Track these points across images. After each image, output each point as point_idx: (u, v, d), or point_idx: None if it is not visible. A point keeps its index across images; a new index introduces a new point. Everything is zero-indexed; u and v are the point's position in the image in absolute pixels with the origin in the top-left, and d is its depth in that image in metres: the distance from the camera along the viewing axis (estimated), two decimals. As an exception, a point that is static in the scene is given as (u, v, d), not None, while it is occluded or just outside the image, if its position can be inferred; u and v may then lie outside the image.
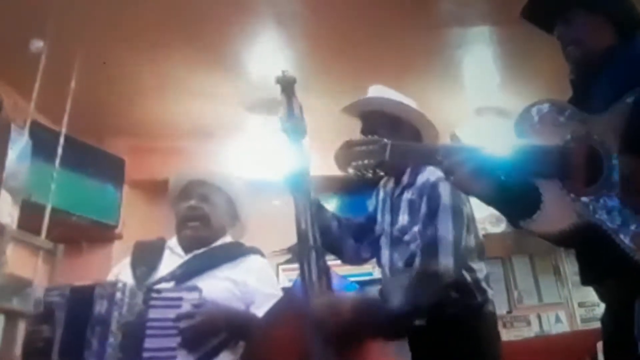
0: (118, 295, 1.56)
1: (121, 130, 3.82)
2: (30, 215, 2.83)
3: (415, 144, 1.62)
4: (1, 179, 2.63)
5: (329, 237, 1.80)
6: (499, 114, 3.90)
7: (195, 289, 1.66)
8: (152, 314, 1.58)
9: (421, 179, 1.70)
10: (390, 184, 1.88)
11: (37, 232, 2.85)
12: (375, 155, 1.34)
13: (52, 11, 2.63)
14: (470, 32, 3.14)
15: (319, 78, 3.19)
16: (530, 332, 4.55)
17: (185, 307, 1.61)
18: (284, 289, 1.91)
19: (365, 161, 1.35)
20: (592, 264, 1.28)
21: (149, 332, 1.56)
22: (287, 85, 1.82)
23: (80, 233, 3.40)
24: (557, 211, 1.21)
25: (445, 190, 1.61)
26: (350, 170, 1.38)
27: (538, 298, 4.71)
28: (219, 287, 1.74)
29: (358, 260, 1.96)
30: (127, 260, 1.87)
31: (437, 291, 1.53)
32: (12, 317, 2.68)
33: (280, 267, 4.10)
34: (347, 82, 3.07)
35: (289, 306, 1.66)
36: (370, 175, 1.36)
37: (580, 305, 4.65)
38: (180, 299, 1.62)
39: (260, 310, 1.75)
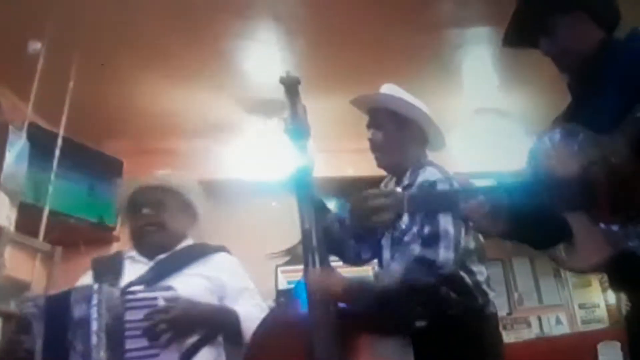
0: (95, 297, 1.55)
1: (119, 132, 3.81)
2: (28, 217, 2.83)
3: (431, 192, 1.58)
4: (-1, 180, 2.62)
5: (330, 238, 1.79)
6: (498, 115, 3.91)
7: (170, 288, 1.65)
8: (130, 315, 1.57)
9: (420, 179, 1.70)
10: (392, 184, 1.87)
11: (35, 235, 2.84)
12: (394, 209, 1.30)
13: (50, 13, 2.63)
14: (469, 33, 3.14)
15: (318, 79, 3.18)
16: (530, 333, 4.55)
17: (160, 305, 1.61)
18: (281, 292, 1.90)
19: (385, 216, 1.30)
20: (624, 281, 1.27)
21: (128, 333, 1.55)
22: (291, 86, 1.81)
23: (78, 235, 3.38)
24: (589, 245, 1.18)
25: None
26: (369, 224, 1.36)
27: (538, 300, 4.71)
28: (193, 283, 1.73)
29: (358, 260, 1.95)
30: (87, 277, 1.82)
31: (432, 279, 1.53)
32: (9, 319, 2.66)
33: (279, 269, 4.08)
34: (346, 83, 3.06)
35: (286, 311, 1.65)
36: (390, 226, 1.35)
37: (581, 306, 4.66)
38: (155, 298, 1.61)
39: (235, 304, 1.75)
